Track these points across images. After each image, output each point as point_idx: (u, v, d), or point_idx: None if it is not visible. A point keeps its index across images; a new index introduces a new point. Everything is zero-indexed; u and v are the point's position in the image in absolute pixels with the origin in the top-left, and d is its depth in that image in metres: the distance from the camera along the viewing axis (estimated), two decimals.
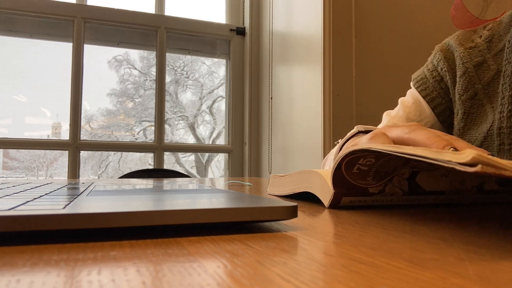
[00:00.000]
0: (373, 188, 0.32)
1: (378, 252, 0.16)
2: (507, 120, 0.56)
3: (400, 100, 0.73)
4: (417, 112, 0.69)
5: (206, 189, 0.36)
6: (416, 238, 0.19)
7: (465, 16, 0.67)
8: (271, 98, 1.95)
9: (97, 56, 2.12)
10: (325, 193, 0.32)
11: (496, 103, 0.59)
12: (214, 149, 2.36)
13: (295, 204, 0.21)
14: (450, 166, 0.18)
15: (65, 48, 1.93)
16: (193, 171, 2.50)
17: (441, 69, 0.68)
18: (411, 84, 0.71)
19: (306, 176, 0.37)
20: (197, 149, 2.45)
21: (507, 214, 0.29)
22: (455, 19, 0.68)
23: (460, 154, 0.18)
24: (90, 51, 1.96)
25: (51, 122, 2.19)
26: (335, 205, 0.32)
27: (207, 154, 2.54)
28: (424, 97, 0.69)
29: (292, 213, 0.21)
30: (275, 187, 0.45)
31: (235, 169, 2.13)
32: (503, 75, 0.58)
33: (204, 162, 2.56)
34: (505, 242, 0.18)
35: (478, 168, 0.17)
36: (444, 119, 0.68)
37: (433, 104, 0.68)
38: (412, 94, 0.71)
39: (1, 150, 2.23)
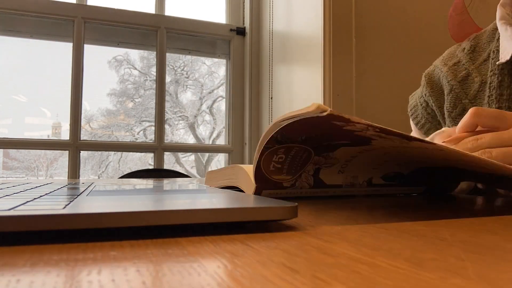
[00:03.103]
0: (286, 182, 0.39)
1: (378, 252, 0.16)
2: None
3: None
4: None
5: (206, 189, 0.36)
6: (416, 238, 0.19)
7: (462, 20, 0.68)
8: (271, 98, 1.95)
9: (97, 56, 2.12)
10: (249, 187, 0.39)
11: None
12: (214, 149, 2.36)
13: (295, 204, 0.21)
14: (308, 116, 0.25)
15: (65, 48, 1.92)
16: (193, 171, 2.50)
17: (425, 94, 0.70)
18: (408, 111, 0.74)
19: (235, 172, 0.43)
20: (197, 149, 2.45)
21: (508, 212, 0.29)
22: (453, 21, 0.69)
23: (307, 108, 0.24)
24: (90, 51, 1.96)
25: (51, 122, 2.19)
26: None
27: (207, 154, 2.54)
28: (416, 125, 0.73)
29: (292, 213, 0.21)
30: (210, 181, 0.51)
31: None
32: (489, 87, 0.59)
33: (204, 162, 2.56)
34: (505, 242, 0.18)
35: (327, 112, 0.23)
36: None
37: (424, 130, 0.71)
38: (411, 122, 0.75)
39: (1, 150, 2.23)
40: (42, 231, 0.17)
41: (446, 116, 0.66)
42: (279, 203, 0.22)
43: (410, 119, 0.74)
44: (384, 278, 0.12)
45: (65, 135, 1.98)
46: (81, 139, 1.92)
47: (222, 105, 2.35)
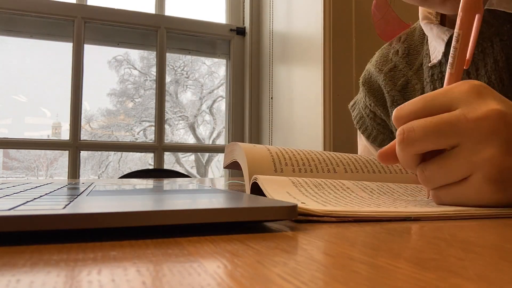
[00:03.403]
0: None
1: (378, 252, 0.16)
2: None
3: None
4: (368, 153, 0.66)
5: (206, 189, 0.36)
6: (416, 238, 0.19)
7: (386, 16, 0.63)
8: (271, 98, 1.95)
9: (97, 56, 2.12)
10: (246, 183, 0.38)
11: None
12: (214, 149, 2.36)
13: (295, 204, 0.21)
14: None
15: (65, 48, 1.93)
16: (193, 171, 2.50)
17: (370, 104, 0.64)
18: (354, 124, 0.68)
19: (237, 149, 0.42)
20: (197, 149, 2.45)
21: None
22: (376, 17, 0.64)
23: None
24: (90, 51, 1.97)
25: (51, 122, 2.19)
26: None
27: (207, 154, 2.54)
28: (367, 138, 0.66)
29: (292, 213, 0.21)
30: (226, 156, 0.49)
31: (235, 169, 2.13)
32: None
33: (204, 162, 2.56)
34: (505, 242, 0.18)
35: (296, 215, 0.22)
36: None
37: (378, 142, 0.65)
38: (358, 134, 0.68)
39: (1, 150, 2.23)
40: (42, 231, 0.17)
41: (393, 129, 0.61)
42: (279, 203, 0.22)
43: (358, 132, 0.68)
44: (384, 278, 0.12)
45: (65, 135, 1.98)
46: (81, 139, 1.92)
47: (222, 105, 2.36)
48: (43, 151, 2.43)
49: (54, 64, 2.05)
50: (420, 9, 0.55)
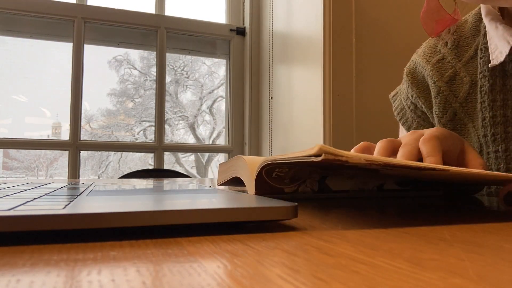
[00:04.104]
0: (289, 188, 0.37)
1: (378, 252, 0.16)
2: (492, 144, 0.52)
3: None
4: None
5: (206, 189, 0.36)
6: (416, 238, 0.19)
7: (438, 17, 0.63)
8: (271, 98, 1.95)
9: (97, 56, 2.12)
10: (250, 186, 0.37)
11: (477, 122, 0.54)
12: (214, 149, 2.36)
13: (295, 204, 0.21)
14: (304, 160, 0.23)
15: (65, 48, 1.93)
16: (193, 171, 2.50)
17: (412, 96, 0.63)
18: (395, 115, 0.68)
19: (239, 163, 0.42)
20: (197, 149, 2.45)
21: (507, 213, 0.29)
22: (425, 22, 0.63)
23: (310, 150, 0.23)
24: (90, 51, 1.96)
25: (51, 122, 2.19)
26: None
27: (207, 154, 2.54)
28: (407, 130, 0.65)
29: (292, 213, 0.21)
30: (221, 175, 0.49)
31: None
32: (480, 91, 0.54)
33: (204, 162, 2.56)
34: (505, 242, 0.18)
35: (323, 156, 0.21)
36: None
37: None
38: (400, 125, 0.68)
39: (1, 150, 2.23)
40: (42, 231, 0.17)
41: (436, 121, 0.60)
42: (279, 203, 0.22)
43: (400, 124, 0.68)
44: (384, 278, 0.12)
45: (65, 135, 1.98)
46: (81, 139, 1.92)
47: (222, 105, 2.35)
48: (43, 151, 2.43)
49: (54, 64, 2.05)
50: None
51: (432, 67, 0.59)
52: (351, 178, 0.39)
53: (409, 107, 0.64)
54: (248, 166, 0.39)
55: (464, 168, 0.28)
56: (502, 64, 0.52)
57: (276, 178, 0.36)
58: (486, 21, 0.53)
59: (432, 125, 0.62)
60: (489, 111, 0.52)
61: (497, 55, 0.51)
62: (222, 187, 0.51)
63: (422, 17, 0.62)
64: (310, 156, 0.22)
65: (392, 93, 0.70)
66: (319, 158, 0.21)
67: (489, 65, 0.52)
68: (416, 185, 0.42)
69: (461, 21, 0.61)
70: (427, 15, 0.62)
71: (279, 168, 0.34)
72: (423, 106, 0.61)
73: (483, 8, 0.54)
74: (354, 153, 0.23)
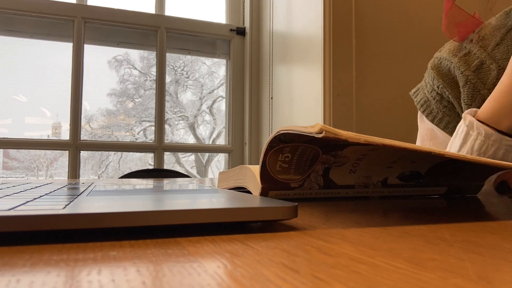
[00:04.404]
0: (294, 183, 0.37)
1: (378, 252, 0.16)
2: None
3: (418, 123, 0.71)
4: (429, 139, 0.67)
5: (206, 189, 0.36)
6: (416, 238, 0.19)
7: (460, 20, 0.63)
8: (271, 98, 1.95)
9: (97, 56, 2.12)
10: (255, 188, 0.37)
11: None
12: (214, 149, 2.36)
13: (295, 204, 0.21)
14: (309, 134, 0.25)
15: (65, 48, 1.93)
16: (193, 171, 2.50)
17: (438, 87, 0.64)
18: (418, 108, 0.69)
19: (243, 172, 0.42)
20: (197, 149, 2.45)
21: (504, 212, 0.29)
22: (447, 21, 0.64)
23: (311, 127, 0.24)
24: (90, 51, 1.96)
25: (51, 122, 2.19)
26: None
27: (207, 154, 2.54)
28: (432, 120, 0.66)
29: (292, 213, 0.21)
30: (221, 182, 0.49)
31: None
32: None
33: (204, 162, 2.56)
34: (505, 242, 0.18)
35: (323, 134, 0.23)
36: None
37: (443, 125, 0.65)
38: (420, 119, 0.69)
39: (1, 150, 2.23)
40: (42, 231, 0.17)
41: (464, 109, 0.60)
42: (279, 203, 0.22)
43: (423, 116, 0.68)
44: (384, 278, 0.12)
45: (65, 135, 1.98)
46: (81, 139, 1.92)
47: (222, 105, 2.35)
48: (43, 151, 2.43)
49: (54, 64, 2.05)
50: None
51: (459, 60, 0.61)
52: (354, 173, 0.39)
53: (434, 98, 0.65)
54: (253, 171, 0.39)
55: (461, 154, 0.28)
56: None
57: (280, 171, 0.35)
58: None
59: (458, 115, 0.63)
60: None
61: None
62: (222, 187, 0.51)
63: (444, 24, 0.64)
64: (312, 133, 0.24)
65: (413, 90, 0.72)
66: (320, 135, 0.23)
67: None
68: (418, 180, 0.42)
69: (485, 24, 0.62)
70: (449, 21, 0.63)
71: (282, 154, 0.34)
72: (449, 96, 0.62)
73: None
74: (353, 133, 0.24)
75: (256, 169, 0.39)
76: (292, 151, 0.33)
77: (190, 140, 2.42)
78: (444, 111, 0.64)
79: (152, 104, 2.08)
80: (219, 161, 2.47)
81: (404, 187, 0.42)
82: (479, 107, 0.56)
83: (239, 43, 2.17)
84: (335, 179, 0.38)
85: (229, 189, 0.45)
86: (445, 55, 0.64)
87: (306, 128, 0.25)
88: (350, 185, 0.39)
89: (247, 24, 2.14)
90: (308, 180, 0.37)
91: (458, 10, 0.62)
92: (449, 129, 0.65)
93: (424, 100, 0.67)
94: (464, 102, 0.60)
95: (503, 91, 0.49)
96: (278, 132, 0.30)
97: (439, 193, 0.43)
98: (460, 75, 0.60)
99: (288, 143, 0.32)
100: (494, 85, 0.56)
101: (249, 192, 0.40)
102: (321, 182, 0.38)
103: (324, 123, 1.51)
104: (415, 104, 0.70)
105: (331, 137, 0.23)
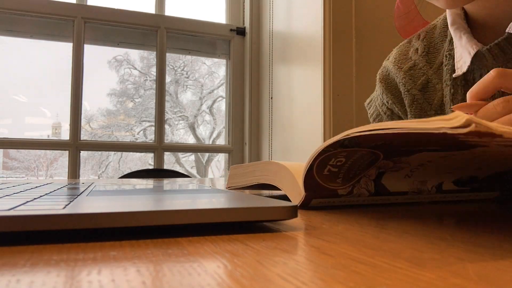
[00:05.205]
0: (342, 190, 0.33)
1: (378, 252, 0.16)
2: None
3: None
4: None
5: (206, 189, 0.36)
6: (416, 238, 0.19)
7: (407, 11, 0.63)
8: (271, 98, 1.95)
9: (97, 56, 2.12)
10: (295, 193, 0.33)
11: None
12: (214, 149, 2.36)
13: (295, 204, 0.21)
14: (441, 132, 0.18)
15: (65, 48, 1.93)
16: (193, 171, 2.50)
17: (387, 102, 0.63)
18: (371, 122, 0.67)
19: (273, 169, 0.38)
20: (197, 149, 2.45)
21: (503, 213, 0.29)
22: (399, 13, 0.63)
23: (451, 119, 0.17)
24: (90, 51, 1.96)
25: (51, 122, 2.19)
26: (304, 206, 0.33)
27: (207, 154, 2.54)
28: None
29: (292, 213, 0.21)
30: (235, 178, 0.44)
31: None
32: (445, 100, 0.54)
33: (204, 162, 2.56)
34: (505, 242, 0.18)
35: (472, 127, 0.16)
36: None
37: None
38: None
39: (1, 150, 2.23)
40: (42, 231, 0.17)
41: None
42: (279, 203, 0.22)
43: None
44: (384, 278, 0.12)
45: (65, 135, 1.98)
46: (81, 139, 1.92)
47: (222, 105, 2.35)
48: (43, 151, 2.43)
49: (54, 64, 2.05)
50: (448, 11, 0.55)
51: (405, 74, 0.59)
52: (409, 176, 0.35)
53: (385, 113, 0.64)
54: (292, 172, 0.34)
55: None
56: (464, 73, 0.52)
57: (327, 176, 0.31)
58: (451, 30, 0.54)
59: None
60: None
61: (462, 65, 0.52)
62: (222, 188, 0.51)
63: (396, 9, 0.63)
64: (454, 127, 0.17)
65: (367, 101, 0.71)
66: (466, 130, 0.17)
67: (453, 75, 0.53)
68: (472, 185, 0.39)
69: (430, 27, 0.61)
70: (401, 9, 0.62)
71: (334, 159, 0.29)
72: (399, 112, 0.62)
73: (448, 16, 0.54)
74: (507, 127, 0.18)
75: (294, 170, 0.34)
76: (348, 156, 0.29)
77: (190, 140, 2.42)
78: None
79: (152, 104, 2.08)
80: (219, 161, 2.47)
81: (459, 193, 0.38)
82: None
83: (239, 43, 2.17)
84: (388, 185, 0.35)
85: (246, 186, 0.42)
86: (391, 66, 0.62)
87: (437, 123, 0.18)
88: (403, 192, 0.36)
89: (247, 24, 2.14)
90: (358, 186, 0.34)
91: (413, 5, 0.61)
92: None
93: (376, 114, 0.66)
94: None
95: None
96: (349, 134, 0.24)
97: (490, 197, 0.41)
98: (406, 92, 0.59)
99: (349, 148, 0.28)
100: (440, 106, 0.55)
101: (273, 187, 0.36)
102: (372, 188, 0.34)
103: (324, 123, 1.51)
104: (368, 117, 0.68)
105: (483, 131, 0.17)
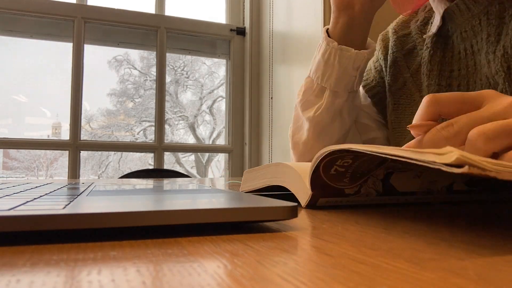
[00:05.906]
0: (349, 189, 0.32)
1: (378, 252, 0.16)
2: None
3: None
4: (364, 100, 0.68)
5: (206, 189, 0.36)
6: (416, 238, 0.19)
7: None
8: (271, 98, 1.95)
9: (97, 56, 2.12)
10: (302, 193, 0.33)
11: (423, 91, 0.57)
12: (214, 149, 2.36)
13: (295, 204, 0.21)
14: (436, 167, 0.17)
15: (65, 48, 1.93)
16: (193, 171, 2.50)
17: (379, 58, 0.67)
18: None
19: (282, 170, 0.37)
20: (197, 149, 2.45)
21: (505, 213, 0.29)
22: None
23: (443, 154, 0.17)
24: (90, 51, 1.96)
25: (51, 122, 2.19)
26: (312, 205, 0.32)
27: (207, 154, 2.54)
28: (364, 87, 0.68)
29: (292, 213, 0.21)
30: (248, 182, 0.44)
31: (235, 169, 2.13)
32: (422, 61, 0.57)
33: (204, 162, 2.56)
34: (506, 241, 0.18)
35: (465, 169, 0.16)
36: (382, 108, 0.66)
37: (371, 93, 0.67)
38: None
39: (1, 150, 2.23)
40: (42, 231, 0.17)
41: (386, 89, 0.63)
42: (279, 203, 0.22)
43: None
44: (384, 278, 0.12)
45: (65, 135, 1.98)
46: (81, 139, 1.92)
47: (222, 105, 2.35)
48: (43, 151, 2.43)
49: (54, 64, 2.05)
50: None
51: (397, 39, 0.63)
52: (419, 176, 0.34)
53: (375, 68, 0.67)
54: (299, 171, 0.34)
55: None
56: (444, 37, 0.54)
57: (334, 176, 0.31)
58: None
59: (389, 89, 0.65)
60: (426, 80, 0.55)
61: (433, 27, 0.54)
62: (222, 188, 0.51)
63: None
64: (447, 165, 0.17)
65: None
66: (459, 170, 0.16)
67: (424, 36, 0.56)
68: (486, 184, 0.38)
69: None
70: None
71: (341, 160, 0.29)
72: (383, 69, 0.65)
73: None
74: (503, 165, 0.17)
75: (301, 170, 0.34)
76: (355, 158, 0.29)
77: (190, 140, 2.42)
78: (379, 81, 0.66)
79: (152, 104, 2.08)
80: (219, 161, 2.47)
81: (469, 193, 0.38)
82: (399, 89, 0.60)
83: (239, 43, 2.17)
84: (396, 185, 0.34)
85: (258, 189, 0.41)
86: (390, 29, 0.66)
87: (429, 156, 0.17)
88: (412, 192, 0.35)
89: (247, 24, 2.14)
90: (365, 185, 0.33)
91: None
92: (375, 99, 0.66)
93: (368, 68, 0.69)
94: (387, 83, 0.62)
95: None
96: (351, 148, 0.24)
97: (501, 198, 0.39)
98: (391, 54, 0.63)
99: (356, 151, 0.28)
100: (417, 70, 0.58)
101: (286, 190, 0.36)
102: (380, 188, 0.33)
103: None
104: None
105: (476, 173, 0.16)
